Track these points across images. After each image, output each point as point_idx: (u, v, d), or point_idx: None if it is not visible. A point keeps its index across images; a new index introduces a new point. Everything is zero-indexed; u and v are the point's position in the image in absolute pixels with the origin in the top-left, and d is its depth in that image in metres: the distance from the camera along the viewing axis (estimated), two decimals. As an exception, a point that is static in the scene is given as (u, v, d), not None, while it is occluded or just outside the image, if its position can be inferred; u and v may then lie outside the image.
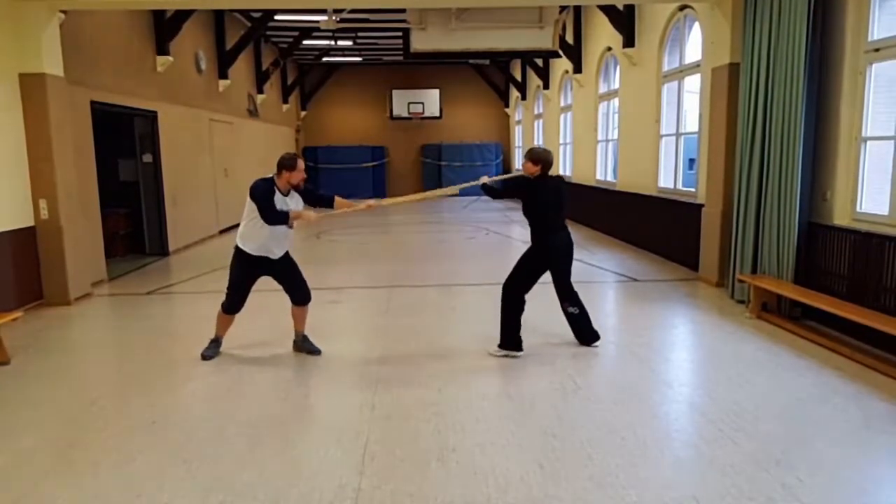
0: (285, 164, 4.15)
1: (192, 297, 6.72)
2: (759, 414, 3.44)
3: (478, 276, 7.46)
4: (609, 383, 4.05)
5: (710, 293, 6.27)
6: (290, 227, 4.21)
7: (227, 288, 4.36)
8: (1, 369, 4.37)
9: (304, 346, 4.55)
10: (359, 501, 2.65)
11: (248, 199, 4.14)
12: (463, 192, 4.90)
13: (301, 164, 4.19)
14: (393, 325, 5.41)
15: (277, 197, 4.12)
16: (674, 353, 4.77)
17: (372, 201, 4.50)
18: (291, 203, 4.22)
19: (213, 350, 4.50)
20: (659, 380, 4.06)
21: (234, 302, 4.36)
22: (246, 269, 4.29)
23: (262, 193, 4.07)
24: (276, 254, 4.29)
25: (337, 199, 4.42)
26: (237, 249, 4.28)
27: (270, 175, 4.19)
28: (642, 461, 2.96)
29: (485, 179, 4.58)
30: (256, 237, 4.19)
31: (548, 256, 4.42)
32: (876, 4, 4.71)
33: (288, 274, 4.41)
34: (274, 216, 4.06)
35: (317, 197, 4.45)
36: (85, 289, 6.58)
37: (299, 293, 4.43)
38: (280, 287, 4.50)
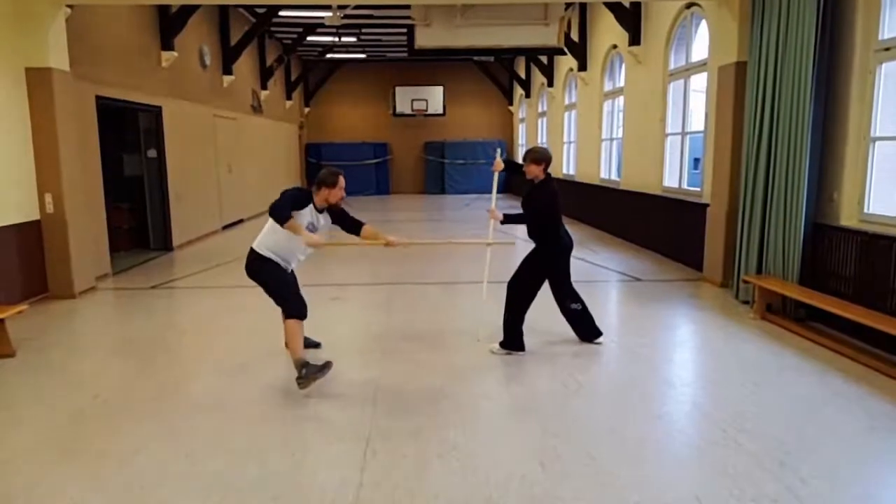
0: (326, 181, 3.87)
1: (196, 292, 6.72)
2: (763, 415, 3.42)
3: (479, 275, 7.44)
4: (611, 383, 4.04)
5: (714, 293, 6.24)
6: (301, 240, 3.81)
7: (283, 298, 3.93)
8: (5, 362, 4.39)
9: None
10: (360, 497, 2.65)
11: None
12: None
13: (342, 181, 3.91)
14: (395, 323, 5.40)
15: (310, 209, 3.87)
16: (677, 353, 4.75)
17: (393, 238, 4.11)
18: (322, 220, 4.00)
19: (315, 366, 3.72)
20: (661, 380, 4.05)
21: (301, 303, 3.90)
22: (284, 271, 3.99)
23: (292, 194, 3.78)
24: (291, 267, 4.07)
25: (366, 227, 4.11)
26: (264, 259, 3.91)
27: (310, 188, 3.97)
28: (644, 461, 2.95)
29: (497, 214, 4.35)
30: (281, 250, 3.92)
31: (558, 254, 4.41)
32: (886, 3, 4.66)
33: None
34: (278, 206, 3.70)
35: (347, 220, 4.12)
36: (89, 282, 6.60)
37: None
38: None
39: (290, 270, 4.08)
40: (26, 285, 6.00)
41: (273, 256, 3.93)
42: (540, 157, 4.32)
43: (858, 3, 4.80)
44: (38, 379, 4.11)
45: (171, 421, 3.41)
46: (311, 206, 3.87)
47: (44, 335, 5.06)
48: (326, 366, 3.70)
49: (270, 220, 3.86)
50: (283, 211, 3.70)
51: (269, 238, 3.93)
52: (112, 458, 3.00)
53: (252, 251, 3.98)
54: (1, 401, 3.76)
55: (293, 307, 3.87)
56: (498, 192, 4.67)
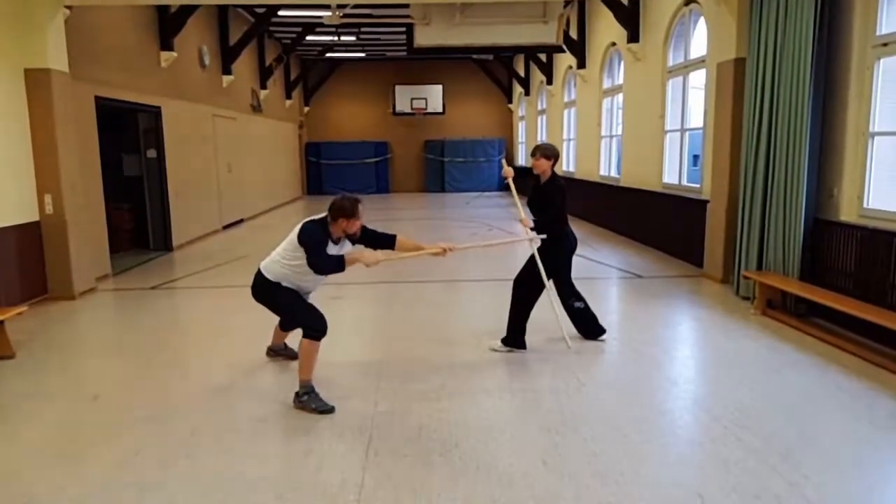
0: (344, 211, 3.45)
1: (196, 292, 6.72)
2: (764, 411, 3.42)
3: (480, 273, 7.45)
4: (613, 380, 4.04)
5: (715, 290, 6.24)
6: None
7: (295, 315, 3.67)
8: (6, 363, 4.38)
9: (284, 352, 4.31)
10: (362, 497, 2.65)
11: (291, 239, 3.55)
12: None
13: (361, 210, 3.51)
14: (395, 322, 5.40)
15: (328, 245, 3.53)
16: (678, 349, 4.75)
17: (446, 244, 3.79)
18: (341, 249, 3.62)
19: (319, 399, 3.52)
20: (663, 376, 4.05)
21: (320, 321, 3.56)
22: (295, 291, 3.66)
23: (315, 241, 3.45)
24: (310, 294, 3.78)
25: (400, 239, 3.73)
26: (270, 282, 3.62)
27: (322, 215, 3.56)
28: (646, 458, 2.95)
29: (528, 223, 4.21)
30: (292, 282, 3.63)
31: (564, 252, 4.43)
32: (884, -1, 4.66)
33: None
34: (326, 265, 3.45)
35: (375, 238, 3.73)
36: (89, 283, 6.60)
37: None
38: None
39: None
40: (26, 287, 5.99)
41: (282, 282, 3.64)
42: (550, 152, 4.35)
43: (857, -1, 4.80)
44: (37, 380, 4.11)
45: (172, 422, 3.41)
46: (328, 240, 3.50)
47: (43, 336, 5.06)
48: (328, 410, 3.46)
49: (280, 248, 3.62)
50: (330, 262, 3.45)
51: (277, 267, 3.62)
52: (112, 459, 3.00)
53: (259, 274, 3.67)
54: (0, 402, 3.75)
55: (309, 325, 3.54)
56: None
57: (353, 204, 3.48)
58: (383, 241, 3.74)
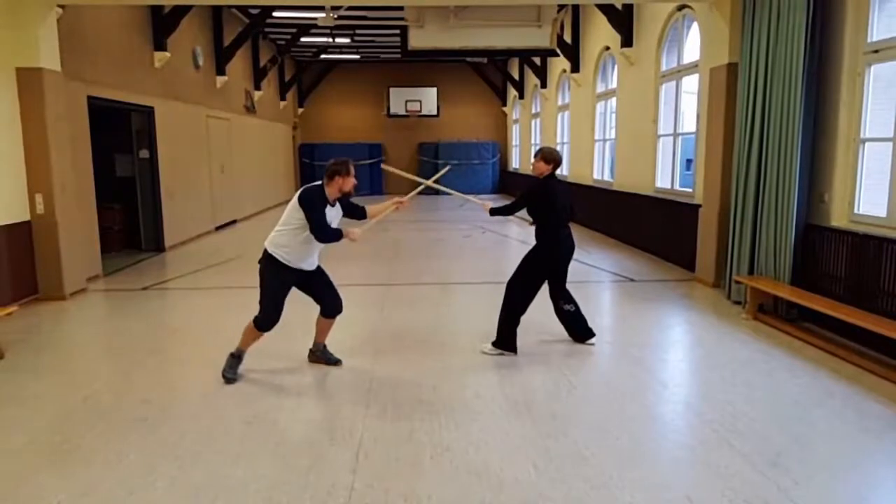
0: (339, 170, 3.78)
1: (188, 293, 6.69)
2: (755, 415, 3.43)
3: (474, 275, 7.45)
4: (604, 383, 4.04)
5: (707, 294, 6.27)
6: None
7: (262, 300, 3.86)
8: (-6, 365, 4.35)
9: (323, 356, 4.29)
10: (352, 500, 2.63)
11: (293, 205, 3.76)
12: (460, 190, 4.80)
13: (353, 168, 3.85)
14: (388, 324, 5.39)
15: (327, 207, 3.79)
16: (669, 353, 4.76)
17: (397, 199, 4.16)
18: (335, 213, 3.90)
19: (234, 369, 3.95)
20: (654, 380, 4.06)
21: (270, 316, 3.85)
22: (282, 278, 3.84)
23: (318, 206, 3.70)
24: (311, 265, 3.96)
25: (368, 208, 4.14)
26: (270, 257, 3.82)
27: (318, 182, 3.82)
28: (637, 462, 2.95)
29: (489, 205, 4.51)
30: (295, 249, 3.82)
31: (557, 256, 4.43)
32: (875, 5, 4.70)
33: (323, 283, 4.09)
34: (328, 233, 3.73)
35: (352, 207, 4.08)
36: (80, 284, 6.55)
37: (334, 304, 4.11)
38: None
39: (302, 270, 3.91)
40: (16, 287, 5.94)
41: (279, 255, 3.81)
42: (550, 157, 4.39)
43: (847, 6, 4.84)
44: (27, 380, 4.07)
45: (162, 423, 3.39)
46: (326, 204, 3.78)
47: (33, 337, 5.02)
48: (231, 380, 3.90)
49: (282, 218, 3.84)
50: (332, 232, 3.77)
51: (280, 237, 3.83)
52: (101, 460, 2.98)
53: (264, 250, 3.88)
54: (-11, 403, 3.72)
55: (261, 314, 3.85)
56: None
57: (346, 163, 3.83)
58: (358, 212, 4.13)
